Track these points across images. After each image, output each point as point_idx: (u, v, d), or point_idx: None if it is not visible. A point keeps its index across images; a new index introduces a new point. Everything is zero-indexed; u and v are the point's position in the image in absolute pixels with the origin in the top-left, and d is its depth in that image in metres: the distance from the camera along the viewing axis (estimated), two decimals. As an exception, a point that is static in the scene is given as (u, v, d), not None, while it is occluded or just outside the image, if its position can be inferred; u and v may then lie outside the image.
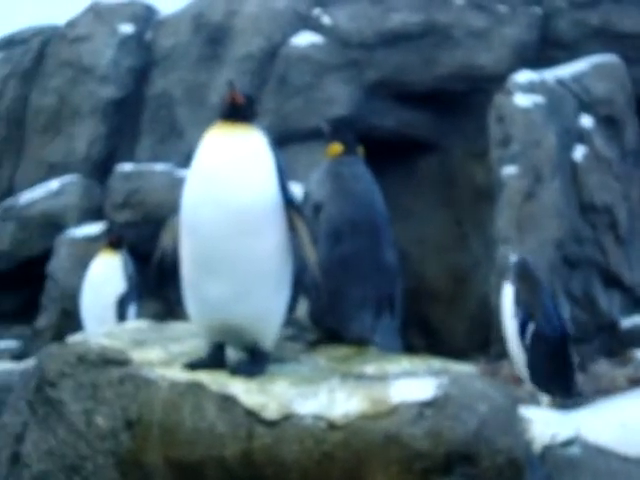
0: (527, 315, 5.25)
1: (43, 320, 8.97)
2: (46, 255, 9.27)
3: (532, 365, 5.22)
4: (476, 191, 9.74)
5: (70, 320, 7.74)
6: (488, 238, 8.50)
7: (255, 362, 2.97)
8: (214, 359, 2.98)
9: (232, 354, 3.06)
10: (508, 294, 5.41)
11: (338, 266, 3.23)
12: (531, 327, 5.22)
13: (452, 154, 10.09)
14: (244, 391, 2.75)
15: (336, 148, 3.53)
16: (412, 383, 2.72)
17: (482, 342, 8.09)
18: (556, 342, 5.25)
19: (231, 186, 2.87)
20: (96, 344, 3.06)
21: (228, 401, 2.73)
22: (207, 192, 2.89)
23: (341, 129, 3.63)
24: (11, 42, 10.94)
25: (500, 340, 7.47)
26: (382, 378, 2.81)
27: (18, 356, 8.71)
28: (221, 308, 2.89)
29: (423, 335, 9.61)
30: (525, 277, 5.43)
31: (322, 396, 2.70)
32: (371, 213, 3.33)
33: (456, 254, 9.89)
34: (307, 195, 3.44)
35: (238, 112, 3.02)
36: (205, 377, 2.83)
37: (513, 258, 5.79)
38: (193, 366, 2.93)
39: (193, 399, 2.77)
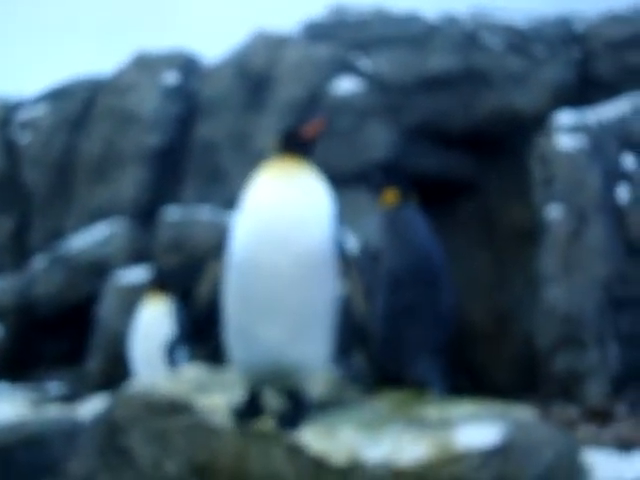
0: None
1: (91, 364, 9.06)
2: (93, 299, 9.40)
3: None
4: (516, 231, 9.73)
5: (118, 364, 7.80)
6: (530, 278, 8.47)
7: (297, 411, 2.89)
8: (252, 407, 2.94)
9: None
10: None
11: (398, 313, 3.29)
12: None
13: (492, 195, 10.12)
14: (311, 437, 2.78)
15: (391, 196, 3.56)
16: (477, 429, 2.74)
17: (526, 382, 8.03)
18: None
19: (293, 227, 2.80)
20: (164, 391, 3.13)
21: (295, 447, 2.77)
22: (267, 232, 2.80)
23: (393, 175, 3.64)
24: (59, 93, 11.23)
25: (548, 381, 7.43)
26: (447, 424, 2.83)
27: (66, 399, 8.80)
28: (274, 350, 2.84)
29: (467, 375, 9.55)
30: None
31: (388, 443, 2.73)
32: (431, 261, 3.39)
33: (498, 294, 9.86)
34: (365, 243, 3.50)
35: (303, 146, 3.02)
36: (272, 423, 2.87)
37: None
38: (233, 415, 2.91)
39: (260, 445, 2.81)
